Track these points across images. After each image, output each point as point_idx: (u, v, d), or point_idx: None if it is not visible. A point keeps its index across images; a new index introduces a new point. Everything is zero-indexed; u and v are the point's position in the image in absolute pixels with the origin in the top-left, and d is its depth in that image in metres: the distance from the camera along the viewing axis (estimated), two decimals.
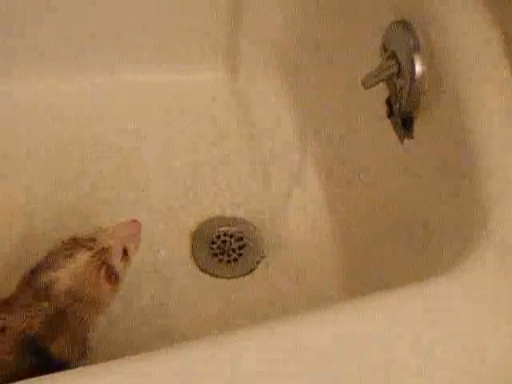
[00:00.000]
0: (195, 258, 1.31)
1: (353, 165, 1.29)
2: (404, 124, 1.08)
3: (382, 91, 1.12)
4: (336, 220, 1.34)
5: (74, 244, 1.09)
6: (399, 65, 1.06)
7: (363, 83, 1.07)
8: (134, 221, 1.15)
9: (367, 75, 1.07)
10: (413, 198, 1.09)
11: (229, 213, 1.37)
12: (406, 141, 1.08)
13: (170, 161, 1.41)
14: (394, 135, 1.11)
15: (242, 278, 1.29)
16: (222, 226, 1.35)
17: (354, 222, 1.28)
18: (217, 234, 1.35)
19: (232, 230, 1.35)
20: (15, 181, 1.35)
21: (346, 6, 1.27)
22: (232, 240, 1.34)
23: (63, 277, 1.05)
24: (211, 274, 1.30)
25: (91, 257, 1.07)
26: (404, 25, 1.05)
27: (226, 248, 1.34)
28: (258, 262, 1.31)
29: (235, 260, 1.32)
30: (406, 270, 1.05)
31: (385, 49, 1.10)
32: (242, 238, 1.34)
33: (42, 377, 0.76)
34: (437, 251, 0.97)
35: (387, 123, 1.12)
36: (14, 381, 0.91)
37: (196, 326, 1.21)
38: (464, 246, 0.85)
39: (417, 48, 1.02)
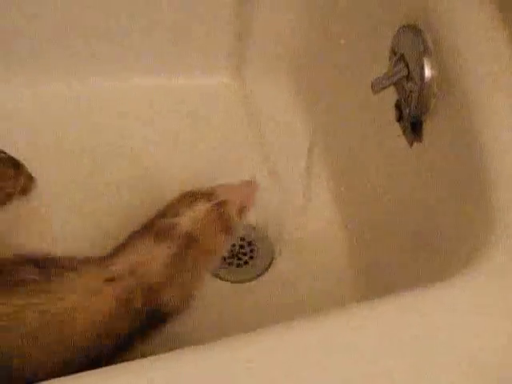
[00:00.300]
0: None
1: (362, 168, 1.29)
2: (413, 128, 1.08)
3: (391, 95, 1.12)
4: (346, 223, 1.34)
5: (194, 196, 1.12)
6: (408, 69, 1.06)
7: (372, 87, 1.07)
8: (250, 182, 1.17)
9: (377, 79, 1.07)
10: (422, 201, 1.10)
11: None
12: (415, 144, 1.08)
13: (178, 165, 1.42)
14: (403, 139, 1.11)
15: (251, 282, 1.30)
16: None
17: (364, 226, 1.29)
18: None
19: (242, 233, 1.35)
20: None
21: (355, 9, 1.27)
22: (242, 244, 1.34)
23: (183, 222, 1.08)
24: (221, 278, 1.30)
25: (211, 206, 1.10)
26: (413, 29, 1.05)
27: (235, 252, 1.34)
28: (267, 266, 1.31)
29: (245, 263, 1.32)
30: (416, 272, 1.06)
31: (394, 53, 1.10)
32: (251, 242, 1.35)
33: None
34: (446, 254, 0.97)
35: (396, 126, 1.12)
36: (113, 337, 1.01)
37: (206, 330, 1.21)
38: (473, 249, 0.85)
39: (426, 52, 1.02)
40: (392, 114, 1.12)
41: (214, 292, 1.27)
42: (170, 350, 0.79)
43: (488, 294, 0.81)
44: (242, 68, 1.50)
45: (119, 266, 1.06)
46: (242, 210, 1.14)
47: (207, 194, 1.12)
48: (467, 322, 0.79)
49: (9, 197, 1.16)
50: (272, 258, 1.32)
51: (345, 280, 1.28)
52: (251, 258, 1.33)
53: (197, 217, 1.10)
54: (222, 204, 1.11)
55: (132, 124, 1.45)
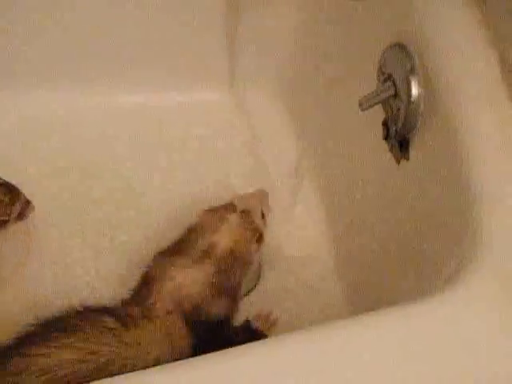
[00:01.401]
0: None
1: (350, 184, 1.29)
2: (400, 145, 1.08)
3: (379, 113, 1.12)
4: (335, 236, 1.34)
5: (217, 211, 1.15)
6: (396, 87, 1.06)
7: (360, 105, 1.08)
8: (261, 190, 1.23)
9: (364, 97, 1.08)
10: (409, 218, 1.10)
11: None
12: (403, 162, 1.09)
13: (171, 181, 1.42)
14: (390, 156, 1.12)
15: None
16: None
17: (351, 239, 1.29)
18: None
19: None
20: None
21: (344, 29, 1.27)
22: None
23: (222, 239, 1.12)
24: None
25: (240, 218, 1.14)
26: (400, 47, 1.06)
27: None
28: (254, 285, 1.31)
29: None
30: (403, 288, 1.06)
31: (382, 71, 1.10)
32: None
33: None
34: (432, 271, 0.98)
35: (384, 144, 1.13)
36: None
37: None
38: (458, 267, 0.86)
39: (413, 70, 1.03)
40: (380, 131, 1.13)
41: None
42: None
43: (472, 311, 0.81)
44: (234, 85, 1.51)
45: (163, 303, 1.09)
46: (263, 216, 1.18)
47: (229, 206, 1.16)
48: (453, 336, 0.80)
49: (3, 222, 1.16)
50: (259, 277, 1.32)
51: (333, 295, 1.28)
52: None
53: (232, 230, 1.13)
54: (247, 213, 1.15)
55: (122, 141, 1.45)
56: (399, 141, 1.08)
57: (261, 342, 0.81)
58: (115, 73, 1.46)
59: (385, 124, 1.11)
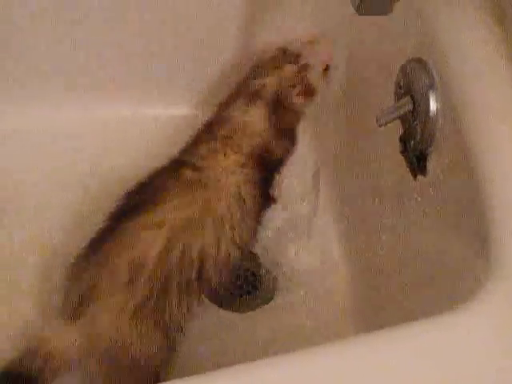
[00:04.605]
0: None
1: (365, 201, 1.28)
2: (418, 161, 1.07)
3: (396, 128, 1.12)
4: (347, 256, 1.34)
5: (283, 56, 1.23)
6: (414, 103, 1.06)
7: (377, 120, 1.07)
8: (327, 40, 1.27)
9: (382, 112, 1.07)
10: (425, 235, 1.09)
11: None
12: (420, 178, 1.08)
13: None
14: (408, 173, 1.11)
15: (253, 313, 1.30)
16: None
17: (365, 259, 1.28)
18: None
19: (245, 265, 1.35)
20: (20, 212, 1.38)
21: (362, 44, 1.27)
22: (245, 275, 1.35)
23: (270, 82, 1.21)
24: (224, 308, 1.30)
25: (294, 70, 1.22)
26: (419, 62, 1.06)
27: (240, 282, 1.34)
28: (270, 297, 1.31)
29: (249, 294, 1.32)
30: (417, 306, 1.05)
31: (400, 86, 1.10)
32: (254, 273, 1.35)
33: None
34: (447, 288, 0.97)
35: (401, 160, 1.12)
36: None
37: (207, 359, 1.21)
38: (474, 282, 0.85)
39: (432, 86, 1.02)
40: (397, 146, 1.12)
41: (216, 321, 1.28)
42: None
43: (487, 330, 0.81)
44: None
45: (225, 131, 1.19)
46: (325, 70, 1.24)
47: (295, 56, 1.22)
48: (465, 357, 0.79)
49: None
50: (275, 289, 1.32)
51: (347, 314, 1.28)
52: (255, 288, 1.33)
53: (283, 78, 1.21)
54: (304, 68, 1.22)
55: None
56: (416, 156, 1.07)
57: (264, 360, 0.80)
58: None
59: (402, 139, 1.11)
